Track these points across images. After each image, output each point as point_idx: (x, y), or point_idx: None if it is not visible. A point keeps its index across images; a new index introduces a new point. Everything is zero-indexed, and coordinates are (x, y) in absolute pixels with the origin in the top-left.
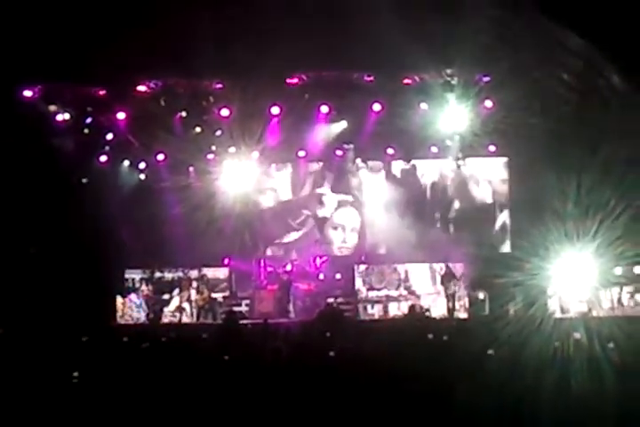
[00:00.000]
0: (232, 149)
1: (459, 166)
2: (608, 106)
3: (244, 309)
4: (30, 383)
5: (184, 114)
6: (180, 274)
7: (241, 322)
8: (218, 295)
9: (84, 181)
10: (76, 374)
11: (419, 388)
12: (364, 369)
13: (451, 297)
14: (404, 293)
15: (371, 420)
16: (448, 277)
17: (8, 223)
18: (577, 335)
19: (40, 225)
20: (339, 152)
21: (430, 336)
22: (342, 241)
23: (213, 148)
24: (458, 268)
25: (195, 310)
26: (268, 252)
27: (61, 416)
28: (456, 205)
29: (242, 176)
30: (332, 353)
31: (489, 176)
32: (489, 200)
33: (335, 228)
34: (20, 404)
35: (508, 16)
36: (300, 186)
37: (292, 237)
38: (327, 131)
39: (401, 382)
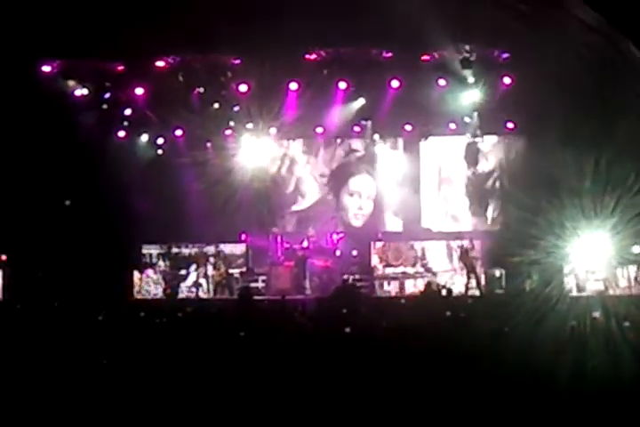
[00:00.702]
0: (250, 125)
1: (476, 143)
2: (627, 82)
3: (260, 285)
4: (46, 358)
5: (202, 90)
6: (197, 250)
7: (257, 298)
8: (234, 271)
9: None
10: (98, 349)
11: (434, 364)
12: (379, 346)
13: (468, 274)
14: (421, 270)
15: (385, 396)
16: (465, 255)
17: (17, 202)
18: (595, 314)
19: (57, 199)
20: (356, 128)
21: (448, 313)
22: (358, 208)
23: (231, 123)
24: (474, 245)
25: (211, 286)
26: (284, 223)
27: (76, 390)
28: (470, 181)
29: (259, 152)
30: (347, 329)
31: (504, 153)
32: (503, 177)
33: (351, 194)
34: (33, 378)
35: None
36: (317, 160)
37: (305, 203)
38: (345, 108)
39: (416, 359)
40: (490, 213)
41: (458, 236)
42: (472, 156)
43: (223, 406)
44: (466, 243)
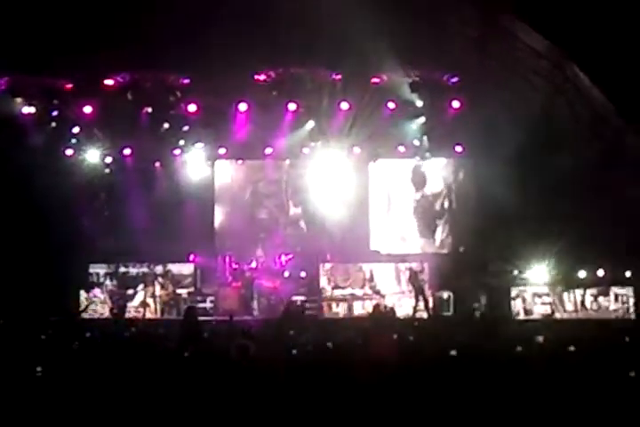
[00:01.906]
0: (199, 145)
1: (424, 166)
2: (575, 108)
3: (208, 305)
4: None
5: (150, 109)
6: (145, 269)
7: (203, 318)
8: (182, 291)
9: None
10: (39, 368)
11: (377, 386)
12: (325, 366)
13: (416, 296)
14: (369, 292)
15: (329, 416)
16: (414, 277)
17: None
18: (539, 339)
19: (0, 218)
20: (305, 150)
21: (395, 336)
22: (305, 229)
23: (181, 142)
24: (424, 267)
25: (159, 306)
26: (229, 244)
27: (23, 411)
28: (419, 204)
29: (208, 171)
30: (294, 351)
31: (452, 176)
32: (451, 200)
33: (299, 215)
34: None
35: (477, 18)
36: (265, 181)
37: (252, 223)
38: (295, 130)
39: (361, 381)
40: (438, 235)
41: (406, 258)
42: (420, 178)
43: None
44: (415, 265)
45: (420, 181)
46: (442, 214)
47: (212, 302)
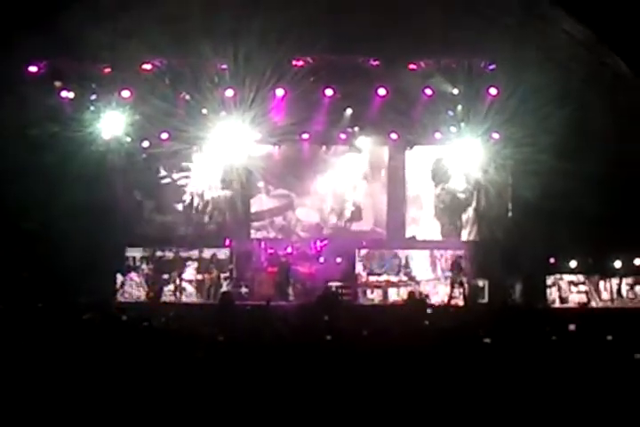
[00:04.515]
0: (235, 130)
1: (459, 152)
2: (611, 95)
3: (244, 290)
4: (28, 362)
5: (188, 96)
6: (182, 254)
7: (240, 303)
8: (218, 276)
9: None
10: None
11: (412, 374)
12: (359, 354)
13: (452, 284)
14: (404, 278)
15: (363, 404)
16: (451, 265)
17: (5, 198)
18: (571, 327)
19: (39, 201)
20: (342, 136)
21: (427, 323)
22: (342, 214)
23: (217, 127)
24: (458, 255)
25: (194, 290)
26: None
27: (58, 395)
28: (450, 192)
29: (244, 156)
30: (328, 337)
31: (489, 163)
32: (488, 188)
33: (337, 201)
34: (17, 383)
35: (514, 5)
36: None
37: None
38: (332, 115)
39: (395, 369)
40: (472, 223)
41: (441, 245)
42: (452, 167)
43: (198, 412)
44: (460, 252)
45: (452, 169)
46: (470, 205)
47: (247, 286)
